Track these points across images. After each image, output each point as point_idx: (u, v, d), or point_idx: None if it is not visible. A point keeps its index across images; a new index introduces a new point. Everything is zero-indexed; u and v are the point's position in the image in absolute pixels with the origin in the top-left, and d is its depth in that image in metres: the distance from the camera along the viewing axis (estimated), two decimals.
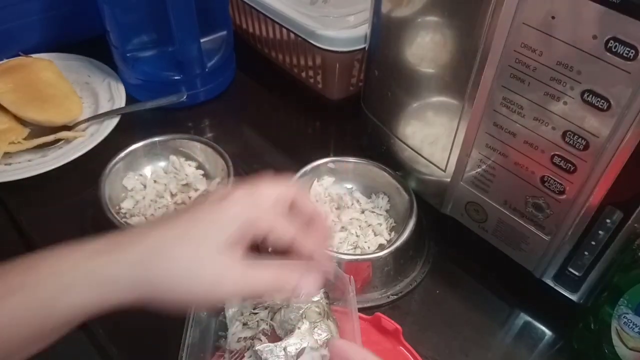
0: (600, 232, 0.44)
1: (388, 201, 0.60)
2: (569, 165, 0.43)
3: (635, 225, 0.42)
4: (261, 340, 0.46)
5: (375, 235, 0.58)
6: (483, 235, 0.55)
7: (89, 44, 0.77)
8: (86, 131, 0.68)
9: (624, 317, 0.44)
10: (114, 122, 0.68)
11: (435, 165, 0.55)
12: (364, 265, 0.53)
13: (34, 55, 0.74)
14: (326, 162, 0.61)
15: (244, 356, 0.45)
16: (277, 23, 0.70)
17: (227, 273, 0.36)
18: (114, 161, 0.59)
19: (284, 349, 0.42)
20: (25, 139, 0.65)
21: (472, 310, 0.54)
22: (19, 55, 0.74)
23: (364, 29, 0.62)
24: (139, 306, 0.34)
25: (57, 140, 0.66)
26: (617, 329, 0.45)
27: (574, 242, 0.47)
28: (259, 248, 0.40)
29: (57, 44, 0.78)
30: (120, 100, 0.71)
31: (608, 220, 0.43)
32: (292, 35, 0.69)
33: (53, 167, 0.62)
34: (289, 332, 0.44)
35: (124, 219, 0.57)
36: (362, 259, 0.53)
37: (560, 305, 0.51)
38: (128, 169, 0.61)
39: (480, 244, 0.55)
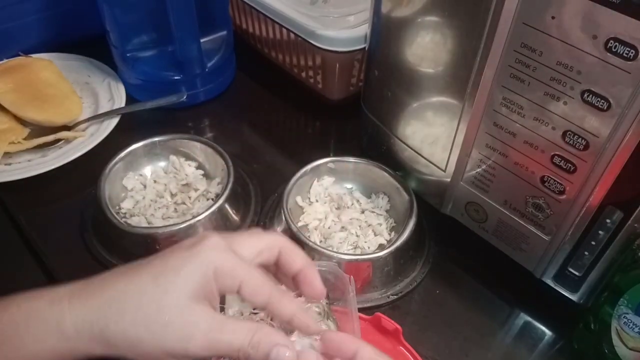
0: (600, 232, 0.44)
1: (388, 201, 0.60)
2: (569, 165, 0.43)
3: (636, 225, 0.42)
4: None
5: (375, 235, 0.58)
6: (483, 236, 0.55)
7: (88, 44, 0.77)
8: (86, 131, 0.68)
9: (624, 317, 0.44)
10: (114, 122, 0.68)
11: (435, 165, 0.55)
12: (364, 265, 0.53)
13: (33, 55, 0.74)
14: (326, 162, 0.61)
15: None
16: (277, 23, 0.70)
17: (198, 326, 0.32)
18: (113, 161, 0.60)
19: None
20: (25, 139, 0.65)
21: (472, 310, 0.54)
22: (19, 55, 0.74)
23: (364, 29, 0.62)
24: (112, 358, 0.32)
25: (57, 140, 0.66)
26: (617, 329, 0.45)
27: (574, 242, 0.47)
28: None
29: (57, 44, 0.78)
30: (120, 100, 0.71)
31: (608, 220, 0.43)
32: (292, 35, 0.69)
33: (53, 167, 0.62)
34: (289, 332, 0.44)
35: (123, 219, 0.57)
36: (362, 259, 0.53)
37: (561, 306, 0.51)
38: (128, 169, 0.61)
39: (481, 244, 0.55)
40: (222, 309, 0.48)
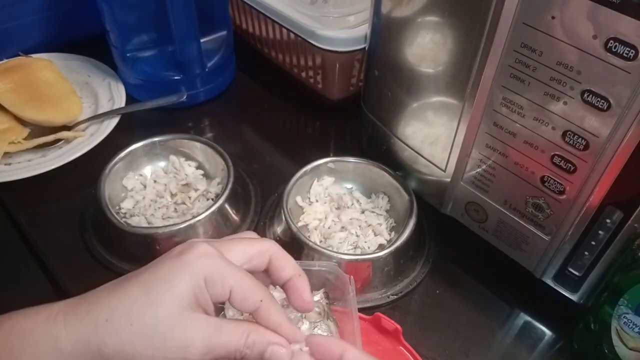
0: (600, 232, 0.44)
1: (388, 201, 0.60)
2: (569, 165, 0.43)
3: (636, 225, 0.42)
4: None
5: (375, 235, 0.58)
6: (483, 236, 0.55)
7: (88, 43, 0.77)
8: (86, 131, 0.68)
9: (624, 317, 0.44)
10: (113, 122, 0.68)
11: (435, 165, 0.55)
12: (364, 265, 0.53)
13: (33, 55, 0.74)
14: (326, 162, 0.61)
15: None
16: (277, 23, 0.70)
17: (195, 333, 0.32)
18: (113, 161, 0.59)
19: None
20: (25, 139, 0.65)
21: (472, 310, 0.54)
22: (19, 55, 0.74)
23: (364, 29, 0.62)
24: None
25: (57, 140, 0.66)
26: (617, 329, 0.45)
27: (574, 242, 0.47)
28: None
29: (57, 44, 0.78)
30: (120, 100, 0.71)
31: (608, 220, 0.43)
32: (292, 35, 0.69)
33: (53, 167, 0.62)
34: None
35: (123, 219, 0.57)
36: (362, 259, 0.53)
37: (561, 305, 0.51)
38: (128, 169, 0.61)
39: (481, 244, 0.55)
40: (222, 309, 0.48)
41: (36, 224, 0.60)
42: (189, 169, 0.63)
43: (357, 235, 0.57)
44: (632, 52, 0.36)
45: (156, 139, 0.62)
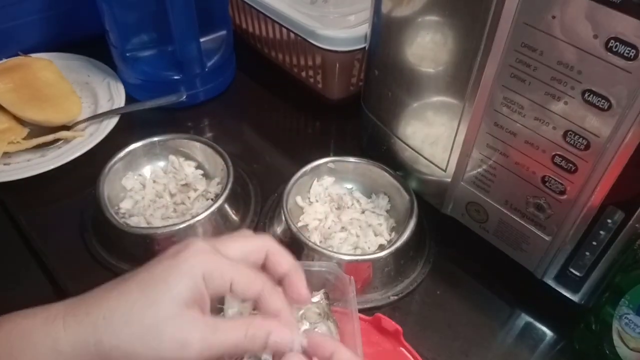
0: (601, 232, 0.44)
1: (388, 201, 0.60)
2: (570, 165, 0.43)
3: (637, 225, 0.42)
4: None
5: (376, 235, 0.58)
6: (484, 236, 0.55)
7: (88, 43, 0.77)
8: (85, 131, 0.68)
9: (625, 318, 0.44)
10: (113, 122, 0.68)
11: (435, 165, 0.55)
12: (364, 265, 0.53)
13: (33, 55, 0.74)
14: (326, 162, 0.61)
15: (243, 357, 0.45)
16: (277, 23, 0.70)
17: (192, 332, 0.32)
18: (113, 161, 0.59)
19: None
20: (24, 138, 0.65)
21: (472, 310, 0.54)
22: (18, 55, 0.74)
23: (364, 29, 0.61)
24: None
25: (57, 140, 0.66)
26: (618, 330, 0.45)
27: (575, 243, 0.47)
28: None
29: (57, 44, 0.78)
30: (120, 100, 0.71)
31: (609, 221, 0.43)
32: (292, 35, 0.69)
33: (52, 167, 0.62)
34: None
35: (123, 219, 0.57)
36: (362, 260, 0.53)
37: (561, 306, 0.51)
38: (127, 168, 0.61)
39: (481, 244, 0.55)
40: (222, 310, 0.48)
41: (36, 224, 0.60)
42: (189, 169, 0.63)
43: (357, 236, 0.57)
44: (632, 52, 0.36)
45: (156, 138, 0.62)
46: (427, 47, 0.50)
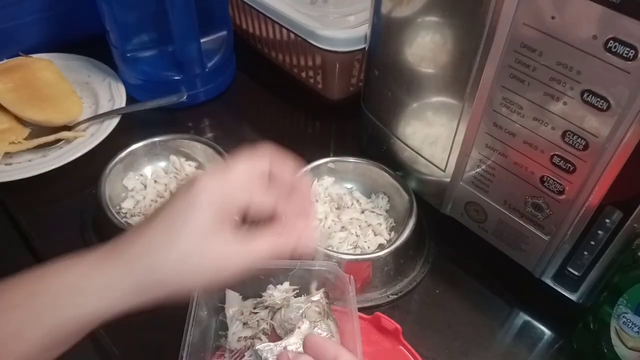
0: (599, 232, 0.45)
1: (388, 201, 0.61)
2: (569, 165, 0.43)
3: (635, 225, 0.42)
4: (261, 340, 0.46)
5: (375, 235, 0.58)
6: (483, 235, 0.55)
7: (88, 43, 0.77)
8: (86, 131, 0.68)
9: (623, 317, 0.44)
10: (114, 122, 0.68)
11: (435, 165, 0.55)
12: (364, 265, 0.53)
13: (33, 55, 0.74)
14: (326, 162, 0.61)
15: (244, 355, 0.45)
16: (277, 23, 0.70)
17: (228, 252, 0.36)
18: (114, 161, 0.60)
19: (284, 348, 0.42)
20: (25, 139, 0.65)
21: (471, 310, 0.54)
22: (19, 55, 0.74)
23: (364, 29, 0.62)
24: (147, 308, 0.34)
25: (58, 141, 0.66)
26: (616, 329, 0.45)
27: (573, 242, 0.47)
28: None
29: (57, 44, 0.78)
30: (121, 100, 0.71)
31: (607, 220, 0.44)
32: (292, 35, 0.69)
33: (53, 167, 0.62)
34: (289, 331, 0.44)
35: (124, 219, 0.57)
36: (362, 259, 0.53)
37: (560, 305, 0.51)
38: (128, 169, 0.62)
39: (480, 244, 0.55)
40: (222, 309, 0.49)
41: (36, 224, 0.60)
42: (190, 169, 0.63)
43: (357, 235, 0.57)
44: (631, 52, 0.36)
45: (156, 139, 0.62)
46: (427, 48, 0.50)
